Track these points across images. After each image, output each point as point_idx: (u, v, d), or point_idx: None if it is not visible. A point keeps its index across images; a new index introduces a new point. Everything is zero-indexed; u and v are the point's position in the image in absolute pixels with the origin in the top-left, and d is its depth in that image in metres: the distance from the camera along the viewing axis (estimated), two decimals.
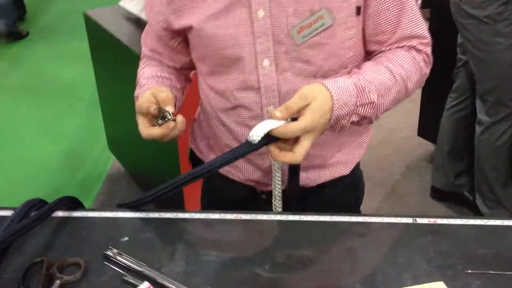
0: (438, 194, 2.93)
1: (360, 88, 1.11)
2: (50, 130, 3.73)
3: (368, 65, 1.18)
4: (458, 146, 2.77)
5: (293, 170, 1.24)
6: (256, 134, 1.06)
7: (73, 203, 1.20)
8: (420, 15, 1.21)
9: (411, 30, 1.19)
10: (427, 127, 3.21)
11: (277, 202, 1.25)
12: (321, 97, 1.06)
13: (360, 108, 1.12)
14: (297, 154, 1.05)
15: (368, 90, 1.12)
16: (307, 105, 1.05)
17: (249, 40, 1.15)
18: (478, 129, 2.56)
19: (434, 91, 3.06)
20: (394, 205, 2.95)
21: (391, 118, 3.66)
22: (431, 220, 1.15)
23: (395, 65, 1.17)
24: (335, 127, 1.12)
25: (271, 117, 1.05)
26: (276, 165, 1.21)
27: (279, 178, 1.22)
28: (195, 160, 1.44)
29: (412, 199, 2.98)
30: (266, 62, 1.16)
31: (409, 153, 3.38)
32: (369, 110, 1.13)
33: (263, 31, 1.14)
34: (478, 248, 1.07)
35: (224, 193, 1.40)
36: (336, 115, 1.08)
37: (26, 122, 3.84)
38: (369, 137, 1.39)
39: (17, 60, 4.88)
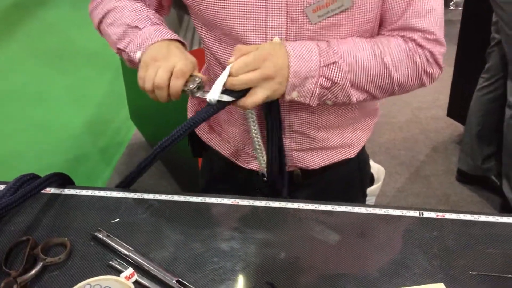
0: (464, 177, 2.84)
1: (322, 47, 1.06)
2: (75, 96, 3.73)
3: (347, 38, 1.10)
4: (487, 128, 2.67)
5: (272, 149, 1.19)
6: (213, 94, 1.04)
7: (64, 180, 1.16)
8: (433, 11, 1.10)
9: (415, 22, 1.09)
10: (457, 107, 3.11)
11: (257, 145, 1.20)
12: (272, 43, 1.06)
13: (326, 69, 1.06)
14: (248, 99, 1.04)
15: (332, 52, 1.06)
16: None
17: (261, 13, 1.08)
18: (508, 112, 2.45)
19: (466, 70, 2.95)
20: (418, 186, 2.87)
21: (420, 96, 3.55)
22: (439, 215, 1.08)
23: (379, 45, 1.09)
24: (304, 94, 1.06)
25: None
26: (250, 113, 1.17)
27: (254, 124, 1.17)
28: (193, 137, 1.39)
29: (436, 181, 2.90)
30: (276, 40, 1.09)
31: (437, 133, 3.28)
32: (336, 73, 1.06)
33: (277, 5, 1.07)
34: (486, 248, 1.00)
35: (224, 176, 1.35)
36: (294, 70, 1.04)
37: (52, 87, 3.85)
38: (375, 121, 1.32)
39: (49, 25, 4.89)
